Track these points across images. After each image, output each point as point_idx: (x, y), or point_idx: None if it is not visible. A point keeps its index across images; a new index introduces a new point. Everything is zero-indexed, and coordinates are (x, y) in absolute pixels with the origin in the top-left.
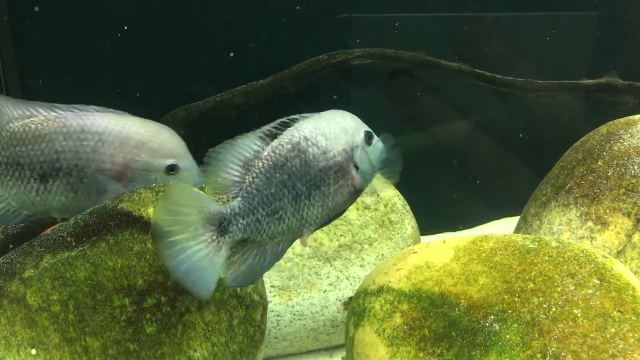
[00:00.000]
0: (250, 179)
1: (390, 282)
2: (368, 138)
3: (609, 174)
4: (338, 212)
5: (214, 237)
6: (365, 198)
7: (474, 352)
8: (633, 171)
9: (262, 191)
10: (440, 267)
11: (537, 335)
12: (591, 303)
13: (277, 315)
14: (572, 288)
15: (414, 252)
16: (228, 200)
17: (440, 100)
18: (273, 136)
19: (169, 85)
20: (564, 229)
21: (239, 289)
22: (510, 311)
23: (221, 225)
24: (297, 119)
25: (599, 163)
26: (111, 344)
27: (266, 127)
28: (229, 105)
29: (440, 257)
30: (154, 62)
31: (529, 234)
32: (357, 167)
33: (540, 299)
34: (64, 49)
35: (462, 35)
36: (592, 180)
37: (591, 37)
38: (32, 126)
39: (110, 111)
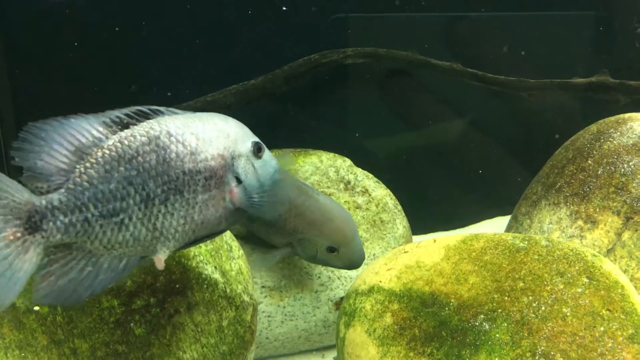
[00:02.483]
0: (83, 168)
1: (381, 282)
2: (257, 150)
3: (599, 172)
4: (209, 231)
5: (19, 235)
6: (357, 198)
7: (464, 352)
8: (622, 170)
9: (97, 185)
10: (431, 267)
11: (526, 334)
12: (580, 302)
13: (268, 316)
14: (562, 287)
15: (404, 252)
16: (48, 192)
17: (432, 100)
18: (123, 125)
19: (161, 84)
20: (554, 227)
21: (228, 289)
22: (500, 310)
23: (30, 220)
24: (161, 112)
25: (589, 162)
26: (100, 345)
27: (114, 112)
28: (220, 105)
29: (430, 256)
30: (146, 60)
31: (520, 233)
32: (239, 181)
33: (530, 298)
34: (50, 46)
35: (458, 35)
36: (582, 179)
37: (586, 36)
38: None
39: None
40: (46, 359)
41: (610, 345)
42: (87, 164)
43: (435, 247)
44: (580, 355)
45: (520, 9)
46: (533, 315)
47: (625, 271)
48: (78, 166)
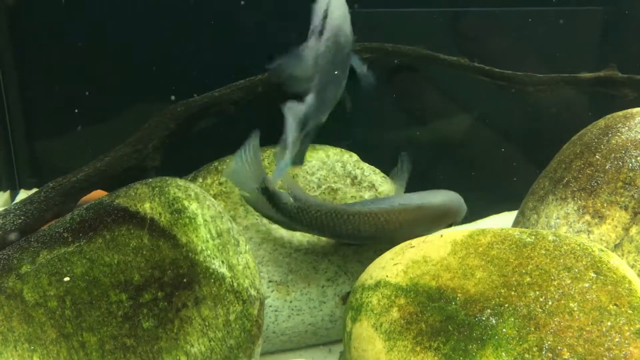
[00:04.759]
0: (317, 79)
1: (387, 276)
2: None
3: (607, 167)
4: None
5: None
6: (364, 193)
7: (471, 346)
8: (630, 164)
9: (321, 91)
10: (438, 262)
11: (533, 329)
12: (587, 296)
13: (275, 310)
14: (569, 282)
15: (411, 247)
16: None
17: (439, 94)
18: (319, 32)
19: (169, 81)
20: (561, 222)
21: (235, 284)
22: (506, 305)
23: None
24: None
25: (597, 156)
26: (108, 339)
27: (313, 25)
28: (227, 101)
29: (437, 251)
30: (154, 57)
31: (527, 227)
32: None
33: (537, 292)
34: (60, 43)
35: (467, 30)
36: (589, 173)
37: (596, 31)
38: None
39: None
40: (55, 352)
41: (617, 340)
42: (318, 75)
43: (442, 242)
44: (587, 350)
45: (527, 4)
46: (540, 310)
47: (632, 266)
48: (316, 76)
